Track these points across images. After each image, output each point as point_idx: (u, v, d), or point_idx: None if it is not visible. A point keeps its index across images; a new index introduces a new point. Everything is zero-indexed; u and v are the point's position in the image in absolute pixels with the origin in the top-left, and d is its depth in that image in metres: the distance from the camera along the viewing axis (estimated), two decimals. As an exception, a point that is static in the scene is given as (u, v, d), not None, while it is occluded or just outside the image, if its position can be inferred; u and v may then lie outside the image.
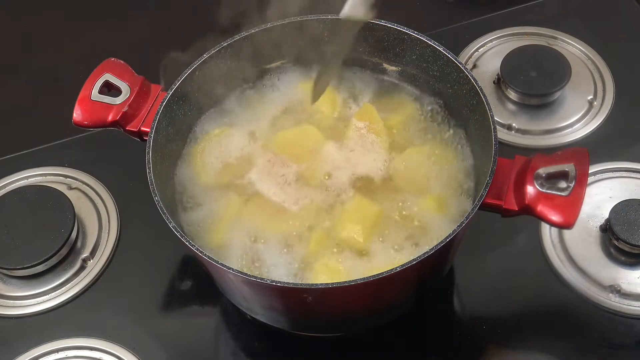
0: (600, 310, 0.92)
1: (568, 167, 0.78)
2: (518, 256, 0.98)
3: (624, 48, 1.18)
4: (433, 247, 0.75)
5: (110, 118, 0.90)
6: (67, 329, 0.95)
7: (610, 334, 0.91)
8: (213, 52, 0.93)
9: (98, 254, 1.01)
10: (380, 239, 0.86)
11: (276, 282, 0.75)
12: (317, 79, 0.88)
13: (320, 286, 0.75)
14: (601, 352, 0.90)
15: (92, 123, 0.91)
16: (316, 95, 0.89)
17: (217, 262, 0.76)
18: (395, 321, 0.90)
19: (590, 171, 0.81)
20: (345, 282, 0.74)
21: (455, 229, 0.76)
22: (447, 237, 0.76)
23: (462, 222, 0.77)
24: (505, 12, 1.25)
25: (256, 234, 0.87)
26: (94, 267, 1.00)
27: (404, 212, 0.88)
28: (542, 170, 0.79)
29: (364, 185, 0.90)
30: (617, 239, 0.94)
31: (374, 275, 0.73)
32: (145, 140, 0.86)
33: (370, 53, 0.98)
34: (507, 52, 1.13)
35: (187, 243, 0.77)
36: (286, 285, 0.75)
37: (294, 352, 0.93)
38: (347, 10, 0.75)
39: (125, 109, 0.90)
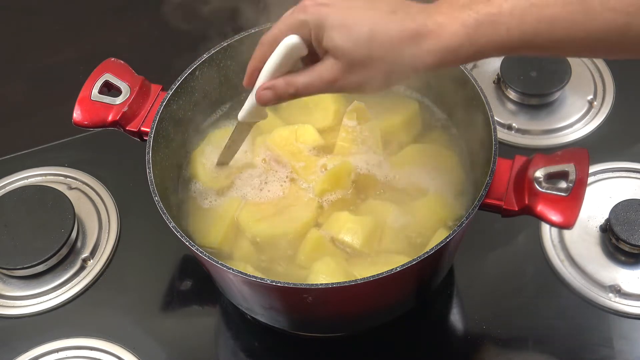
0: (600, 310, 0.92)
1: (568, 167, 0.78)
2: (518, 256, 0.98)
3: (624, 48, 1.18)
4: (433, 247, 0.75)
5: (110, 118, 0.90)
6: (67, 329, 0.95)
7: (610, 334, 0.91)
8: (213, 52, 0.93)
9: (98, 254, 1.01)
10: (380, 239, 0.86)
11: (276, 282, 0.75)
12: (227, 145, 0.90)
13: (320, 286, 0.75)
14: (601, 352, 0.89)
15: (92, 123, 0.91)
16: (223, 159, 0.91)
17: (217, 262, 0.76)
18: (395, 321, 0.90)
19: (590, 171, 0.81)
20: (345, 282, 0.74)
21: (455, 229, 0.76)
22: (446, 238, 0.75)
23: (462, 222, 0.77)
24: (505, 12, 1.24)
25: (256, 234, 0.87)
26: (94, 267, 1.00)
27: (403, 212, 0.88)
28: (542, 170, 0.79)
29: (362, 184, 0.90)
30: (617, 239, 0.93)
31: (374, 275, 0.73)
32: (145, 140, 0.86)
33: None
34: (507, 52, 1.13)
35: (187, 243, 0.77)
36: (286, 285, 0.75)
37: (294, 352, 0.93)
38: (242, 116, 0.82)
39: (125, 109, 0.90)
